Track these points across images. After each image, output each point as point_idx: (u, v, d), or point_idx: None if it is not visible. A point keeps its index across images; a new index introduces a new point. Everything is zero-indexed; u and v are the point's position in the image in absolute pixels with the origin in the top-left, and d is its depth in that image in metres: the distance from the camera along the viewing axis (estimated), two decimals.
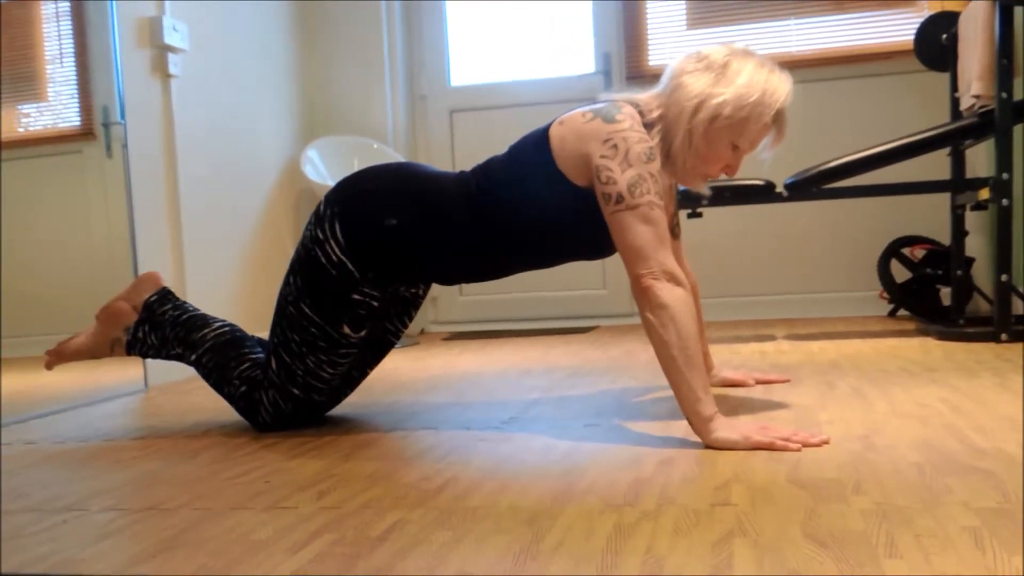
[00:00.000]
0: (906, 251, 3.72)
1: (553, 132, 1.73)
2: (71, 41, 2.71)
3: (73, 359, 2.13)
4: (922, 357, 2.53)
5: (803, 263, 4.11)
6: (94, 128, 2.77)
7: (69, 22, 2.71)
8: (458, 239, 1.79)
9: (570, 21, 4.33)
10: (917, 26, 3.40)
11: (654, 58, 4.21)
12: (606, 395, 2.16)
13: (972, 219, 3.73)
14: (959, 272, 3.29)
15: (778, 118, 1.74)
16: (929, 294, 3.66)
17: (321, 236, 1.82)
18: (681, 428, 1.69)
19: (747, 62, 1.70)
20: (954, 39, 3.18)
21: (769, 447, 1.48)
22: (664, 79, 1.78)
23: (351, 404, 2.24)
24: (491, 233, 1.78)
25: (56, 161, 2.64)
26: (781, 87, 1.71)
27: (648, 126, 1.73)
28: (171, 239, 3.10)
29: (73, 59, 2.71)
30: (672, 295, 1.56)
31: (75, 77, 2.72)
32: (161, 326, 2.06)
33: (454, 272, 1.87)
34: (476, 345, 3.61)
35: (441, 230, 1.79)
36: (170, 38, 3.07)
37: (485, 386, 2.42)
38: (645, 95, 1.79)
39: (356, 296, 1.82)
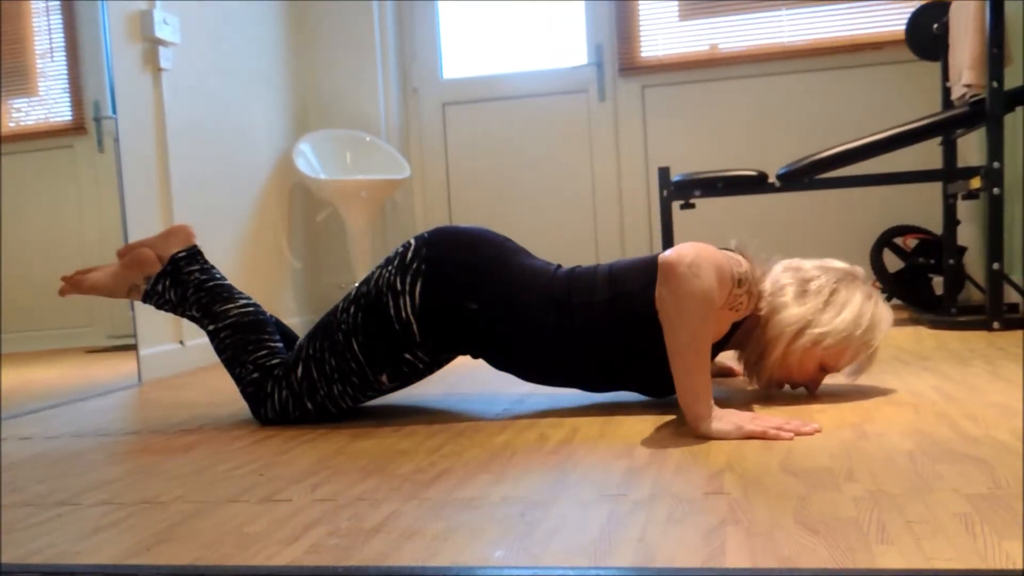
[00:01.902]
0: (898, 241, 3.73)
1: (662, 260, 1.72)
2: (62, 35, 2.70)
3: (88, 293, 2.09)
4: (914, 346, 2.54)
5: (796, 253, 4.08)
6: (85, 123, 2.76)
7: (59, 16, 2.70)
8: (531, 340, 1.78)
9: (562, 13, 4.32)
10: (908, 16, 3.40)
11: (646, 49, 4.21)
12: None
13: (964, 208, 3.74)
14: (951, 261, 3.30)
15: (873, 351, 1.75)
16: (921, 283, 3.67)
17: (399, 287, 1.79)
18: (675, 418, 1.70)
19: (855, 293, 1.73)
20: (945, 29, 3.18)
21: (762, 436, 1.48)
22: (768, 284, 1.77)
23: None
24: (566, 346, 1.77)
25: (48, 156, 2.63)
26: (883, 322, 1.73)
27: (752, 316, 1.75)
28: None
29: (64, 53, 2.70)
30: (697, 287, 1.53)
31: (66, 71, 2.71)
32: (184, 285, 2.03)
33: (511, 364, 1.85)
34: None
35: (517, 328, 1.78)
36: (161, 32, 3.06)
37: (479, 378, 2.43)
38: (764, 279, 1.78)
39: (407, 355, 1.82)
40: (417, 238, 1.86)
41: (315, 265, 4.24)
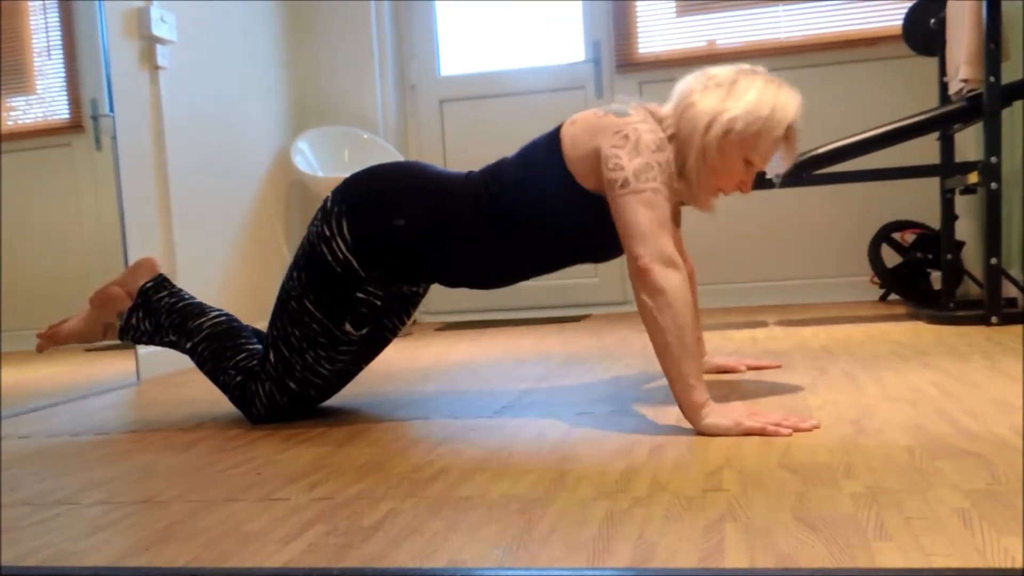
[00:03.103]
0: (896, 236, 3.73)
1: (564, 131, 1.74)
2: (59, 33, 2.69)
3: (65, 342, 2.12)
4: (913, 341, 2.54)
5: (794, 249, 4.11)
6: (83, 121, 2.75)
7: (56, 14, 2.70)
8: (465, 241, 1.79)
9: (560, 9, 4.32)
10: (905, 11, 3.40)
11: (644, 46, 4.20)
12: (598, 383, 2.16)
13: (961, 203, 3.74)
14: (949, 256, 3.30)
15: (788, 133, 1.74)
16: (919, 278, 3.68)
17: (328, 233, 1.81)
18: (673, 415, 1.70)
19: (755, 79, 1.72)
20: (942, 24, 3.18)
21: (760, 432, 1.49)
22: (673, 99, 1.77)
23: (343, 395, 2.24)
24: (498, 236, 1.78)
25: (45, 154, 2.63)
26: (791, 102, 1.72)
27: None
28: (162, 231, 3.09)
29: (61, 51, 2.70)
30: (670, 281, 1.56)
31: (63, 70, 2.71)
32: (156, 313, 2.05)
33: (459, 275, 1.86)
34: (469, 335, 3.61)
35: (449, 232, 1.79)
36: (158, 29, 3.06)
37: (478, 375, 2.43)
38: (660, 109, 1.78)
39: (360, 295, 1.82)
40: (334, 190, 1.89)
41: None
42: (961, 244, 3.57)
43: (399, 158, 4.06)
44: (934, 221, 3.74)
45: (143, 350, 2.87)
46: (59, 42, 2.69)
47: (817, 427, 1.51)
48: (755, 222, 4.13)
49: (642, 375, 2.23)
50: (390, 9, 4.37)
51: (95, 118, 2.78)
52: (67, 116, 2.72)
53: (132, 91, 2.97)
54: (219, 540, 1.12)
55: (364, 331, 1.88)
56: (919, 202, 3.91)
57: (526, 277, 1.89)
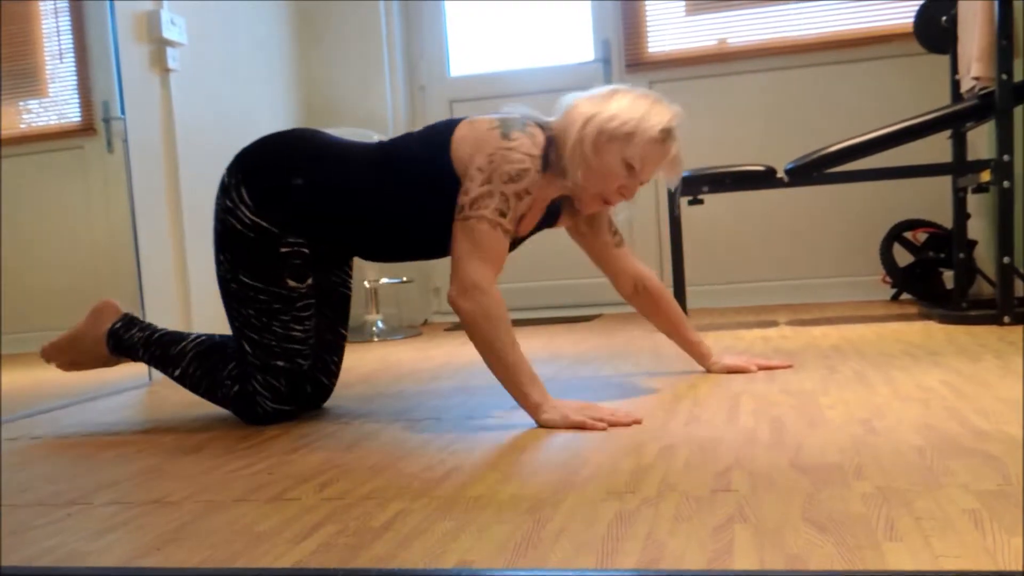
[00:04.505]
0: (908, 235, 3.72)
1: (459, 130, 1.81)
2: (70, 37, 2.71)
3: (72, 369, 2.16)
4: (924, 341, 2.53)
5: (805, 248, 4.10)
6: (95, 123, 2.77)
7: (68, 18, 2.71)
8: (355, 206, 1.84)
9: (569, 9, 4.32)
10: (917, 9, 3.38)
11: (653, 45, 4.20)
12: (609, 383, 2.16)
13: (974, 202, 3.72)
14: (961, 255, 3.29)
15: (667, 138, 1.81)
16: (931, 278, 3.66)
17: (230, 205, 1.86)
18: (684, 415, 1.70)
19: (631, 93, 1.84)
20: (954, 21, 3.16)
21: (581, 426, 1.62)
22: (559, 109, 1.87)
23: (353, 395, 2.25)
24: (381, 203, 1.83)
25: (57, 157, 2.64)
26: (665, 110, 1.82)
27: (548, 148, 1.80)
28: (172, 232, 3.10)
29: (73, 55, 2.71)
30: (469, 305, 1.68)
31: (75, 73, 2.72)
32: (132, 350, 2.05)
33: (352, 241, 1.91)
34: None
35: (341, 194, 1.84)
36: (168, 32, 3.07)
37: (488, 375, 2.43)
38: (550, 119, 1.87)
39: (283, 249, 1.86)
40: (228, 166, 1.93)
41: None
42: (973, 243, 3.56)
43: None
44: (946, 220, 3.72)
45: None
46: (71, 46, 2.71)
47: (638, 422, 1.63)
48: (766, 221, 4.12)
49: (651, 374, 2.23)
50: (399, 10, 4.38)
51: (106, 121, 2.79)
52: (79, 119, 2.74)
53: (143, 94, 2.99)
54: (230, 540, 1.12)
55: (309, 281, 1.90)
56: (931, 201, 3.90)
57: (411, 254, 1.94)
